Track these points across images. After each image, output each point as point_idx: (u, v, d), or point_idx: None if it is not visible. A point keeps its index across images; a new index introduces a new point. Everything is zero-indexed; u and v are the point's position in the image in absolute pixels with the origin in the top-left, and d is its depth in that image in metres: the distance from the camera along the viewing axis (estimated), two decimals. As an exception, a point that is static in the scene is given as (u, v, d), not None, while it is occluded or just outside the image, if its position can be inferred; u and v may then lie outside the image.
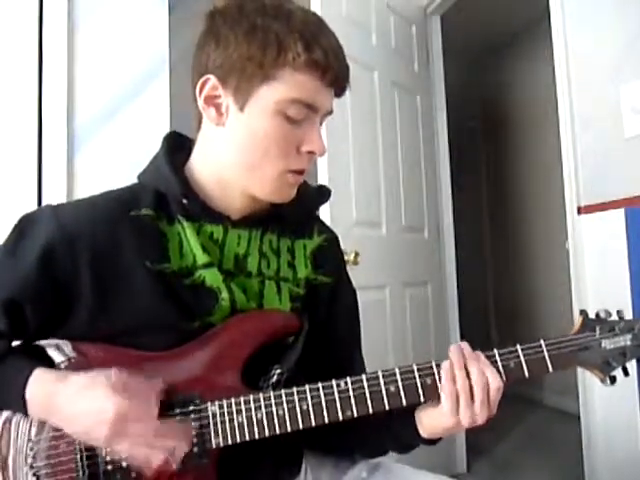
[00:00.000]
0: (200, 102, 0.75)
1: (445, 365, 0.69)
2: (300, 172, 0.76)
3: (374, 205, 2.04)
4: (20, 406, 0.67)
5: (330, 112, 0.77)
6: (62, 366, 0.71)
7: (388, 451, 0.83)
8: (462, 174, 3.43)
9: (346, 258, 1.74)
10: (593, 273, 1.75)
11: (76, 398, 0.65)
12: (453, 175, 2.60)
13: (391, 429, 0.77)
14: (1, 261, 0.72)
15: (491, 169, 4.11)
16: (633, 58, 1.60)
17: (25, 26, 1.64)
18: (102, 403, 0.64)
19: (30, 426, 0.69)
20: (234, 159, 0.75)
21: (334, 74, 0.72)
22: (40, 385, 0.67)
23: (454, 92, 2.82)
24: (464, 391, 0.68)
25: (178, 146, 0.82)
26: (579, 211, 1.79)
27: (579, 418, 1.81)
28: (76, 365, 0.71)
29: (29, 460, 0.69)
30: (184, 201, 0.76)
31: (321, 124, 0.77)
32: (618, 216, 1.63)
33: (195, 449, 0.68)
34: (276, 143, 0.72)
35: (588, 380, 1.76)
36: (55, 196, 1.60)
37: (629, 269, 1.59)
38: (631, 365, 0.72)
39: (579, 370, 1.76)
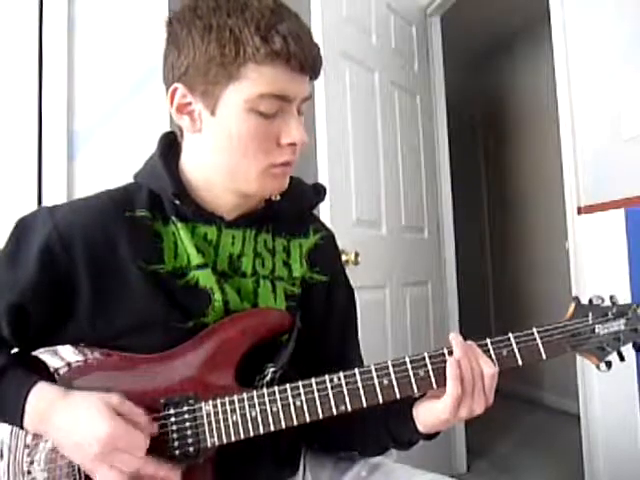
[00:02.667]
0: (173, 113, 0.74)
1: (450, 361, 0.69)
2: (286, 164, 0.74)
3: (374, 205, 2.04)
4: (18, 420, 0.67)
5: (307, 98, 0.75)
6: (60, 372, 0.71)
7: (388, 449, 0.83)
8: (462, 174, 3.42)
9: (346, 258, 1.74)
10: (593, 273, 1.75)
11: (74, 413, 0.66)
12: (453, 175, 2.60)
13: (389, 425, 0.77)
14: (2, 268, 0.72)
15: (491, 169, 4.11)
16: (633, 58, 1.60)
17: (25, 26, 1.64)
18: (98, 420, 0.64)
19: (27, 433, 0.69)
20: (216, 163, 0.75)
21: (299, 60, 0.68)
22: (41, 400, 0.67)
23: (454, 92, 2.82)
24: (468, 383, 0.68)
25: (174, 146, 0.82)
26: (579, 211, 1.79)
27: (579, 418, 1.81)
28: (74, 371, 0.71)
29: (26, 467, 0.69)
30: (177, 202, 0.76)
31: (300, 112, 0.74)
32: (618, 216, 1.63)
33: (191, 449, 0.68)
34: (253, 141, 0.71)
35: (588, 380, 1.76)
36: (55, 196, 1.61)
37: (629, 269, 1.59)
38: (626, 350, 0.72)
39: (579, 370, 1.78)
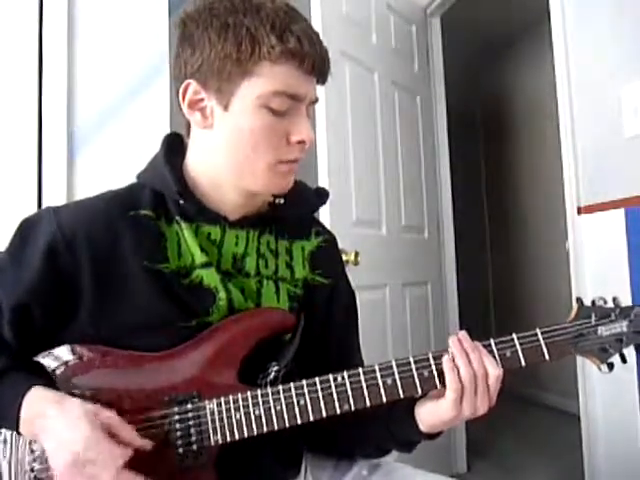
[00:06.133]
0: (184, 108, 0.75)
1: (446, 358, 0.70)
2: (293, 161, 0.76)
3: (374, 205, 2.04)
4: (14, 427, 0.67)
5: (315, 101, 0.77)
6: (57, 372, 0.71)
7: (390, 451, 0.83)
8: (462, 174, 3.43)
9: (346, 258, 1.74)
10: (593, 273, 1.75)
11: (61, 420, 0.65)
12: (453, 175, 2.60)
13: (390, 426, 0.77)
14: (6, 268, 0.73)
15: (491, 169, 4.11)
16: (633, 58, 1.60)
17: (25, 26, 1.64)
18: (78, 431, 0.63)
19: None
20: (225, 159, 0.75)
21: (312, 60, 0.71)
22: (31, 406, 0.67)
23: (454, 92, 2.82)
24: (468, 381, 0.68)
25: (177, 147, 0.82)
26: (579, 211, 1.79)
27: (579, 418, 1.81)
28: (74, 368, 0.71)
29: (30, 464, 0.69)
30: (181, 202, 0.76)
31: (308, 114, 0.76)
32: (618, 216, 1.63)
33: (194, 447, 0.69)
34: (264, 137, 0.72)
35: (588, 380, 1.76)
36: (55, 197, 1.60)
37: (629, 269, 1.59)
38: (629, 353, 0.72)
39: (579, 370, 1.78)
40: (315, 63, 0.72)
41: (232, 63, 0.69)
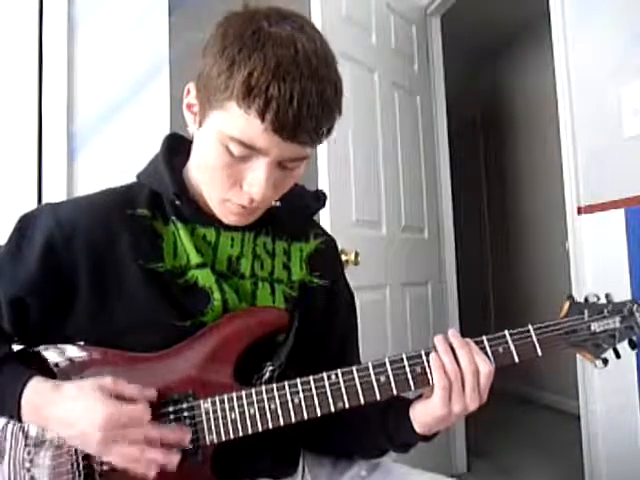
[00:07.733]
0: (184, 107, 0.75)
1: (432, 355, 0.70)
2: (244, 207, 0.72)
3: (374, 205, 2.04)
4: (15, 414, 0.67)
5: (298, 158, 0.69)
6: (61, 366, 0.72)
7: (387, 451, 0.83)
8: (462, 174, 3.43)
9: (346, 258, 1.74)
10: (593, 273, 1.75)
11: (69, 405, 0.66)
12: (453, 175, 2.60)
13: (386, 427, 0.77)
14: (4, 262, 0.73)
15: (491, 169, 4.11)
16: (633, 58, 1.60)
17: (25, 26, 1.64)
18: (93, 407, 0.64)
19: (27, 429, 0.70)
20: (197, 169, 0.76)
21: (281, 124, 0.62)
22: (36, 394, 0.67)
23: (454, 92, 2.82)
24: (455, 378, 0.68)
25: (178, 147, 0.82)
26: (579, 211, 1.79)
27: (579, 418, 1.81)
28: (73, 366, 0.72)
29: (26, 463, 0.69)
30: (177, 202, 0.77)
31: (289, 168, 0.70)
32: (618, 216, 1.63)
33: (189, 446, 0.68)
34: (216, 172, 0.70)
35: (588, 380, 1.76)
36: (55, 196, 1.61)
37: (629, 269, 1.59)
38: (622, 348, 0.73)
39: (579, 369, 1.78)
40: (285, 128, 0.63)
41: (213, 88, 0.66)
